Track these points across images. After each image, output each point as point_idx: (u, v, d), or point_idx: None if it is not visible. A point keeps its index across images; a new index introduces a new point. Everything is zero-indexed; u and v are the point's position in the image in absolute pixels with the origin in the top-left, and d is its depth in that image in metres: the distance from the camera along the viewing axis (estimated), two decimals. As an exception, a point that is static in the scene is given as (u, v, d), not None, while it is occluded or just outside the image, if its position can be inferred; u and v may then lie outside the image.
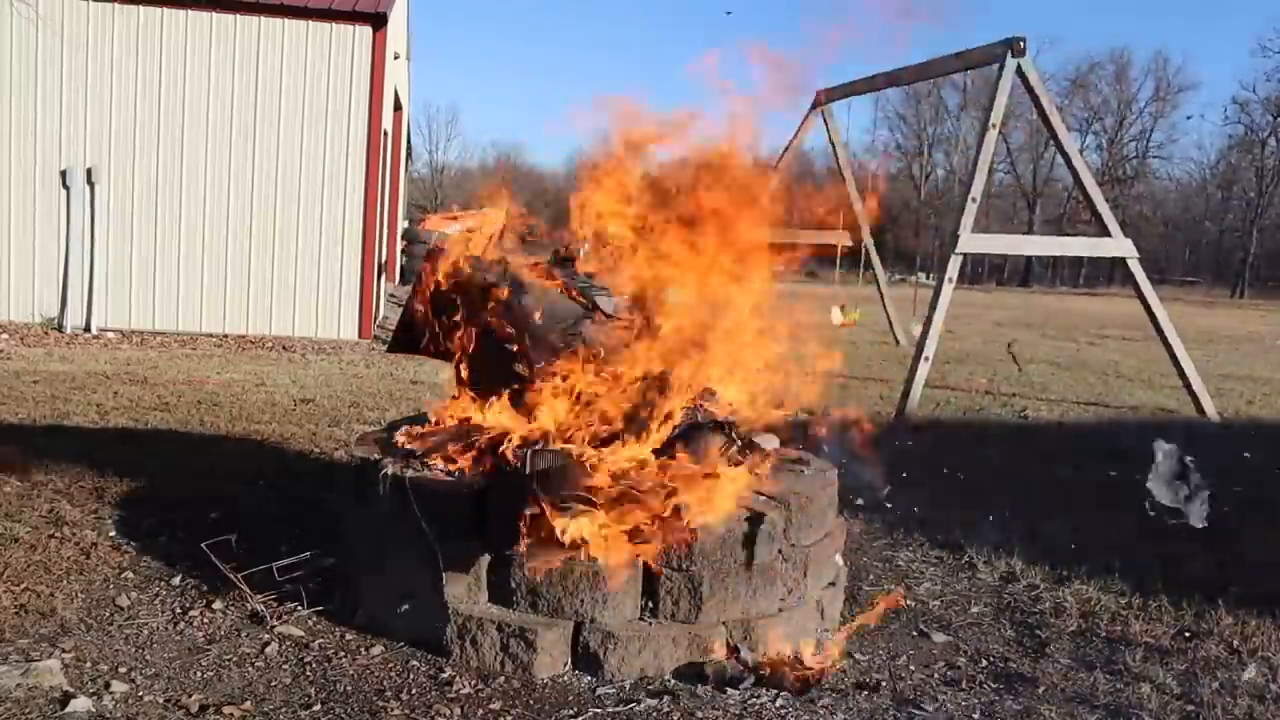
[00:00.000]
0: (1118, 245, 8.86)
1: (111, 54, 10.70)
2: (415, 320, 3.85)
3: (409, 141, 21.47)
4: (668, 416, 3.41)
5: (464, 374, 3.78)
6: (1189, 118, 76.95)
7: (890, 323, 13.54)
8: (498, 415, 3.55)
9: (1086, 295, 38.24)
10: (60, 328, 10.75)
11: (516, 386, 3.58)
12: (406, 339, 4.04)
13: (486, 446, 3.44)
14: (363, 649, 3.26)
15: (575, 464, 3.12)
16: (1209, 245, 58.64)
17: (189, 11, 10.75)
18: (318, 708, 2.87)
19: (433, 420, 3.76)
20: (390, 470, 3.41)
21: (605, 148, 3.72)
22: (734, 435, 3.59)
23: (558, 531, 2.92)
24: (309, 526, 4.25)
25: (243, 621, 3.41)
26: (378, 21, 11.00)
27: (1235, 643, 3.63)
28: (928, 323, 8.43)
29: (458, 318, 3.70)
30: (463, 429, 3.61)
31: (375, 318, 11.70)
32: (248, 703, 2.87)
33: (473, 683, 3.06)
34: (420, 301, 3.78)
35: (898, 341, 13.27)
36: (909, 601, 3.99)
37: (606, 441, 3.38)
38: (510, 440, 3.35)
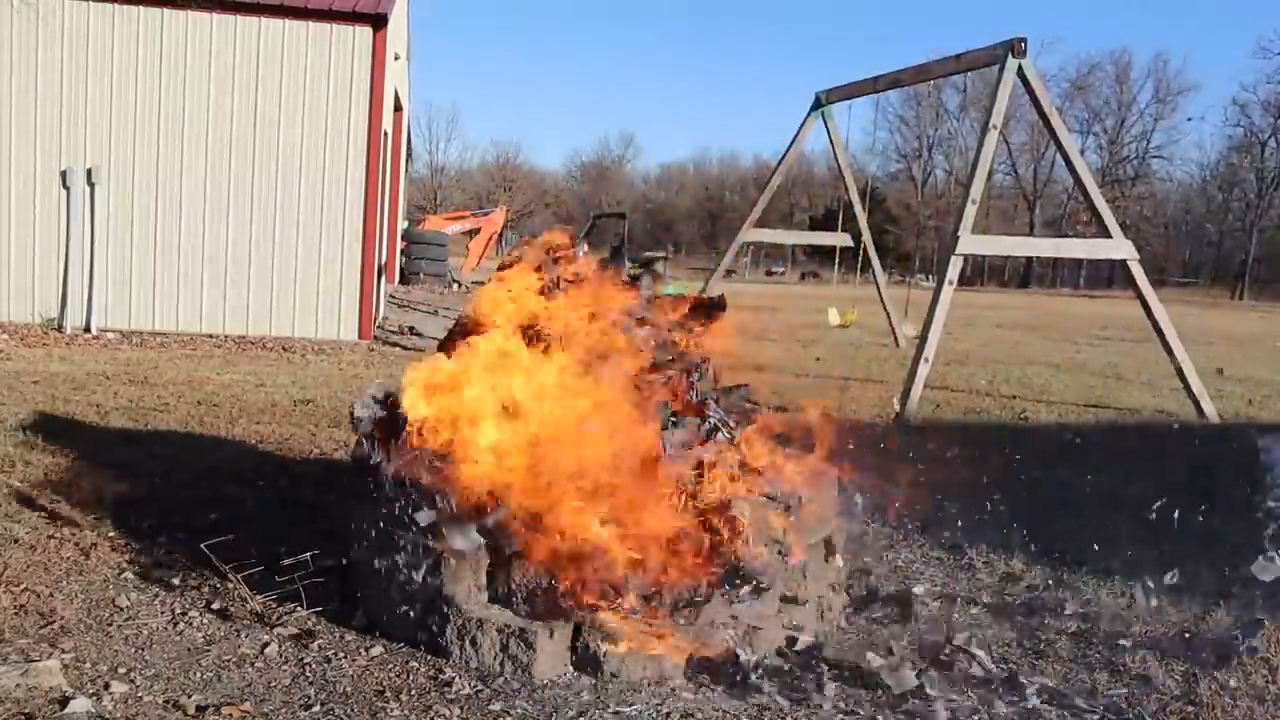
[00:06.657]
0: (1118, 247, 8.86)
1: (111, 54, 10.70)
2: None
3: (409, 142, 21.45)
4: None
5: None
6: (1189, 119, 77.11)
7: (891, 324, 13.55)
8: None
9: (1086, 297, 38.23)
10: (60, 328, 10.74)
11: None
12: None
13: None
14: (363, 649, 3.25)
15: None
16: (1209, 246, 58.66)
17: (189, 12, 10.75)
18: (317, 708, 2.87)
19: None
20: (391, 470, 3.40)
21: None
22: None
23: None
24: (309, 526, 4.25)
25: (242, 622, 3.41)
26: (378, 22, 11.00)
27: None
28: (927, 324, 8.42)
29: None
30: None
31: (375, 318, 11.70)
32: (247, 703, 2.86)
33: (473, 683, 3.06)
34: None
35: (897, 343, 13.27)
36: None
37: None
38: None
